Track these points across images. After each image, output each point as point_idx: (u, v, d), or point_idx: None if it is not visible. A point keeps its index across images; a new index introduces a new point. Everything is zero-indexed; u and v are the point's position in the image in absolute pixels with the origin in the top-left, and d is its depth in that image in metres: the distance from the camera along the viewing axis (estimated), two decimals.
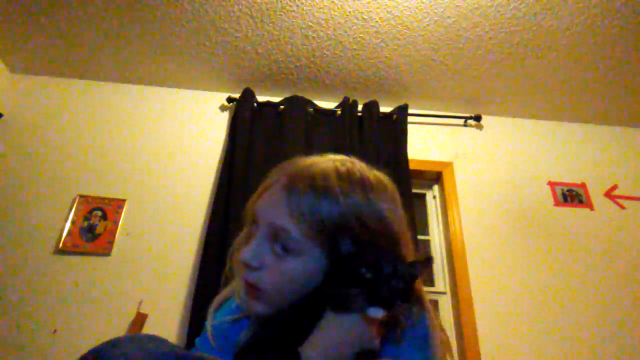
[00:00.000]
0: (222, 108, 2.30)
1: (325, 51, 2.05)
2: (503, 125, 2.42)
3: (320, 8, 1.83)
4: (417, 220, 2.11)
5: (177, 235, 1.93)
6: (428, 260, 0.54)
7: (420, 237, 2.10)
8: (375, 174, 0.63)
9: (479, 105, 2.36)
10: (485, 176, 2.23)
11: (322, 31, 1.94)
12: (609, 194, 2.24)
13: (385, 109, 2.26)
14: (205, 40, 2.01)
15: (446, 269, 2.03)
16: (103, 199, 1.97)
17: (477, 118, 2.36)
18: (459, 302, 1.87)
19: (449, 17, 1.84)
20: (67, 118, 2.18)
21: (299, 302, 0.55)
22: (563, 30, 1.87)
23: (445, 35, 1.93)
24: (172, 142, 2.16)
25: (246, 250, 0.58)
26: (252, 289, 0.58)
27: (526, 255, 2.03)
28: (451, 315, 1.93)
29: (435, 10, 1.82)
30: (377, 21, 1.88)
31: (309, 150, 1.83)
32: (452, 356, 0.61)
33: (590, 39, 1.91)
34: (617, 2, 1.73)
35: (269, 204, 0.59)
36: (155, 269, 1.85)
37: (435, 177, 2.27)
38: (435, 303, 1.96)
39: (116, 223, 1.92)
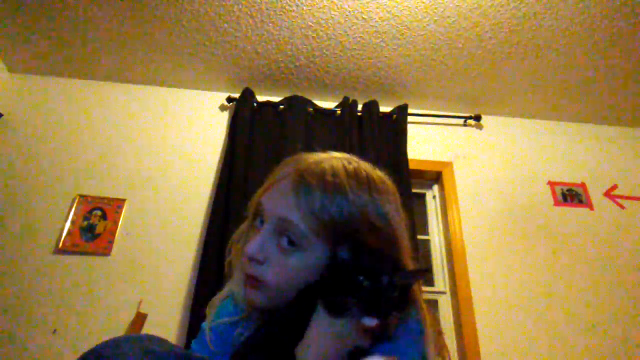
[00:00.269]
0: (222, 108, 2.30)
1: (325, 51, 2.05)
2: (503, 125, 2.42)
3: (320, 8, 1.83)
4: (417, 220, 2.11)
5: (177, 235, 1.93)
6: (423, 272, 0.54)
7: (420, 237, 2.10)
8: (379, 175, 0.63)
9: (479, 105, 2.37)
10: (485, 176, 2.23)
11: (322, 31, 1.94)
12: (609, 194, 2.24)
13: (385, 109, 2.26)
14: (205, 40, 2.01)
15: (446, 269, 2.03)
16: (103, 199, 1.97)
17: (477, 118, 2.36)
18: (459, 302, 1.87)
19: (449, 17, 1.84)
20: (67, 118, 2.18)
21: (294, 301, 0.55)
22: (563, 30, 1.87)
23: (445, 35, 1.93)
24: (172, 142, 2.16)
25: (251, 244, 0.57)
26: (253, 281, 0.58)
27: (526, 255, 2.03)
28: (451, 315, 1.93)
29: (435, 10, 1.82)
30: (377, 21, 1.88)
31: (309, 151, 1.83)
32: (447, 352, 0.61)
33: (590, 39, 1.91)
34: (617, 2, 1.73)
35: (278, 198, 0.59)
36: (155, 269, 1.85)
37: (435, 177, 2.27)
38: (435, 303, 1.96)
39: (116, 223, 1.92)
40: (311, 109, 2.20)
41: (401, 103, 2.27)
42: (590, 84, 2.17)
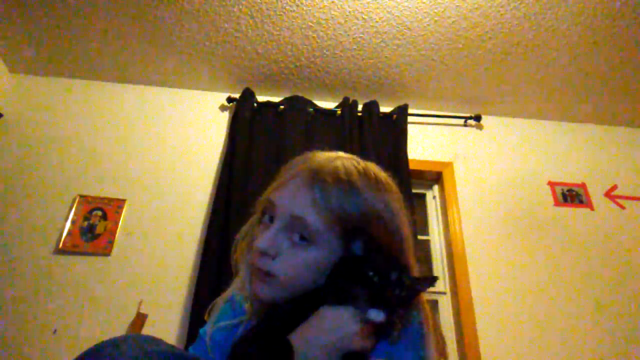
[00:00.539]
0: (222, 108, 2.30)
1: (325, 51, 2.05)
2: (503, 125, 2.42)
3: (320, 8, 1.83)
4: (417, 220, 2.11)
5: (177, 235, 1.93)
6: (433, 279, 0.55)
7: (420, 237, 2.10)
8: (384, 174, 0.65)
9: (479, 105, 2.36)
10: (485, 176, 2.23)
11: (322, 31, 1.94)
12: (609, 194, 2.24)
13: (385, 109, 2.26)
14: (205, 40, 2.01)
15: (446, 269, 2.03)
16: (103, 199, 1.97)
17: (477, 118, 2.36)
18: (459, 302, 1.87)
19: (449, 17, 1.84)
20: (67, 118, 2.18)
21: (299, 299, 0.56)
22: (563, 30, 1.87)
23: (445, 35, 1.93)
24: (172, 142, 2.16)
25: (263, 238, 0.58)
26: (263, 275, 0.58)
27: (526, 255, 2.02)
28: (451, 315, 1.93)
29: (435, 10, 1.82)
30: (377, 21, 1.88)
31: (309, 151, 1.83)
32: (446, 357, 0.61)
33: (590, 39, 1.91)
34: (617, 2, 1.73)
35: (291, 195, 0.59)
36: (155, 269, 1.85)
37: (435, 177, 2.27)
38: (435, 303, 1.96)
39: (116, 223, 1.92)
40: (311, 109, 2.20)
41: (401, 103, 2.27)
42: (590, 84, 2.17)
